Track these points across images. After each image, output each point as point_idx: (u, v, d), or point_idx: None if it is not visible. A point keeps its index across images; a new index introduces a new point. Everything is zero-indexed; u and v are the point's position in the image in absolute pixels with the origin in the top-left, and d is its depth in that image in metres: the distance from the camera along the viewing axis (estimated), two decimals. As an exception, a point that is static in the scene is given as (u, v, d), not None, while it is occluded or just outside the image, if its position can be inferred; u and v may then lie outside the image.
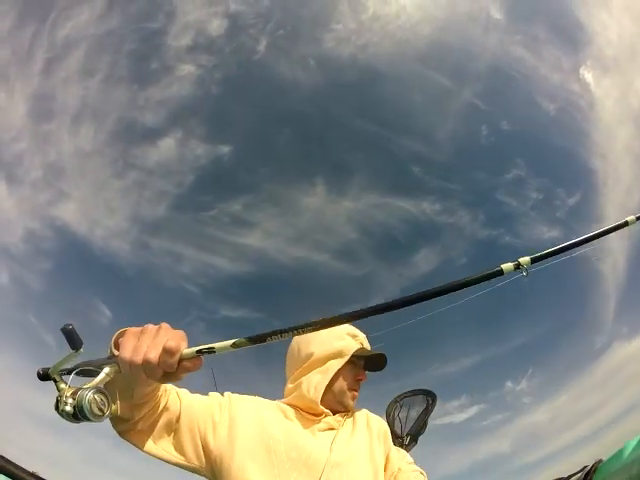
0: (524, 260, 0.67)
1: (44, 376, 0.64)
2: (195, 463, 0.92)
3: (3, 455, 0.79)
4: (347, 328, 1.15)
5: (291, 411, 1.06)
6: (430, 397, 2.11)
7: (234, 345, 0.67)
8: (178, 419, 0.91)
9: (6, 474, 0.85)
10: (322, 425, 1.05)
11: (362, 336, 1.17)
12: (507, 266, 0.66)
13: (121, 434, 0.84)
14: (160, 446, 0.88)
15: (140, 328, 0.67)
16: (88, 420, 0.60)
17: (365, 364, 1.15)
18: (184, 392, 0.97)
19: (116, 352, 0.67)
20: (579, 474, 0.74)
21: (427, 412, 2.55)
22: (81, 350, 0.64)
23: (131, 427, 0.83)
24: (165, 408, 0.88)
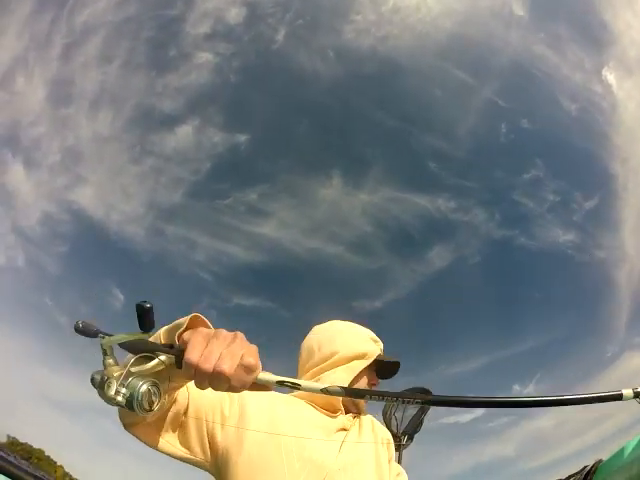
0: None
1: (85, 331, 0.59)
2: (200, 457, 0.90)
3: (3, 455, 0.78)
4: (370, 333, 1.18)
5: (305, 407, 1.05)
6: (427, 396, 2.12)
7: (324, 390, 0.61)
8: (186, 412, 0.88)
9: (6, 474, 0.85)
10: (335, 424, 1.04)
11: (381, 344, 1.20)
12: (628, 392, 0.69)
13: (127, 427, 0.81)
14: (166, 439, 0.86)
15: (212, 330, 0.61)
16: (132, 411, 0.55)
17: (377, 370, 1.17)
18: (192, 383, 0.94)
19: (176, 344, 0.62)
20: (579, 474, 0.75)
21: (423, 411, 2.57)
22: (150, 334, 0.60)
23: (140, 420, 0.80)
24: (174, 400, 0.86)
